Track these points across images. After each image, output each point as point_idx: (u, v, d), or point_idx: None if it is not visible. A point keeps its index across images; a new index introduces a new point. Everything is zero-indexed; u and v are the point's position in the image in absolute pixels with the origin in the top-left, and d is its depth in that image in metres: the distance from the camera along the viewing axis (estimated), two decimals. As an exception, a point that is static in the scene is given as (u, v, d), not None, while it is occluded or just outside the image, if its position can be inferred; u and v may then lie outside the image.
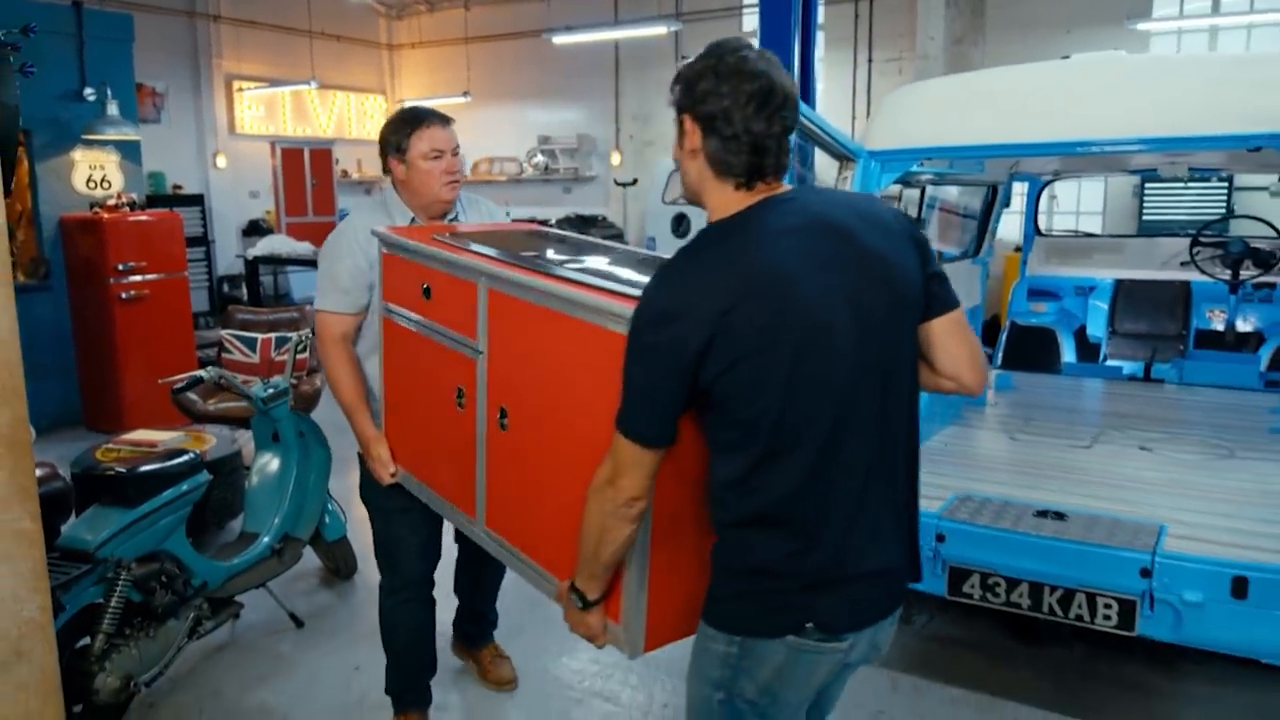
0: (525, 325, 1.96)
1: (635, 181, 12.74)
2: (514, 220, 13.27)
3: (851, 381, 1.54)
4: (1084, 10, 9.51)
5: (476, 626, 3.37)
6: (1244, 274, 5.52)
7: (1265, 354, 5.32)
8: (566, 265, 2.01)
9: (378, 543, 2.87)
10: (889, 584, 1.67)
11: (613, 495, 1.58)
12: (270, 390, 3.72)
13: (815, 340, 1.49)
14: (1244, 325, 5.72)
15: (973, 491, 3.38)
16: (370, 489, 2.74)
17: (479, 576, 3.24)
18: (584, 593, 1.73)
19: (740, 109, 1.52)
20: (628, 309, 1.60)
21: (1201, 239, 5.63)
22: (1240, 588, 2.68)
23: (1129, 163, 5.54)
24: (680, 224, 10.90)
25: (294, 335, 4.03)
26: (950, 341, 1.67)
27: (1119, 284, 6.23)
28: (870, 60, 10.80)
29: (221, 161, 12.36)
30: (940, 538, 3.12)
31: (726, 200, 1.59)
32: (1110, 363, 6.02)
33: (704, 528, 1.67)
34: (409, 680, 2.98)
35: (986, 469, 3.82)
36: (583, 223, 11.98)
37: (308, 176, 11.86)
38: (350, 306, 2.64)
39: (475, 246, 2.21)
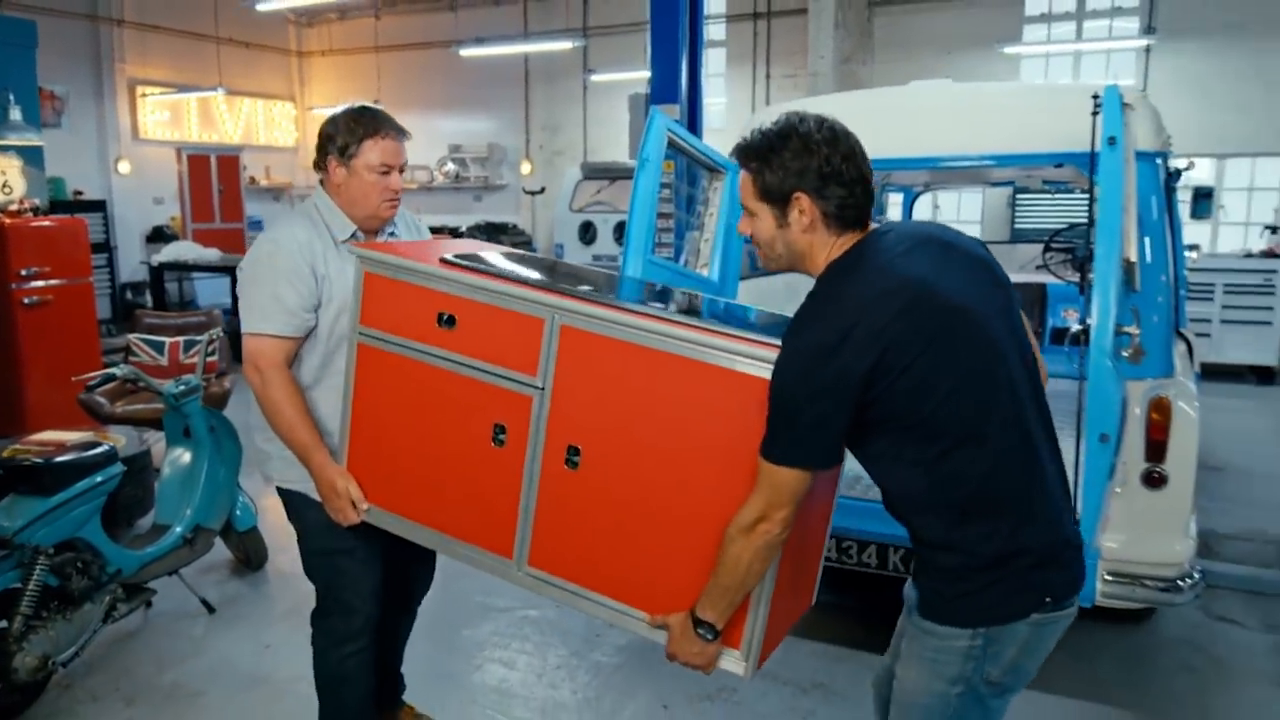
0: (615, 364, 1.93)
1: (544, 190, 13.04)
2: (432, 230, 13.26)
3: (1006, 363, 1.68)
4: (962, 34, 10.19)
5: (389, 683, 3.01)
6: (1091, 276, 6.12)
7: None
8: (650, 303, 2.05)
9: (324, 585, 2.56)
10: (1077, 549, 1.79)
11: (767, 530, 1.68)
12: (182, 386, 3.91)
13: (969, 330, 1.65)
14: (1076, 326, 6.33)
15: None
16: (312, 527, 2.48)
17: (396, 627, 2.91)
18: (714, 625, 1.83)
19: (852, 163, 1.71)
20: (765, 351, 1.71)
21: (1052, 245, 6.20)
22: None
23: (988, 175, 6.09)
24: (587, 231, 11.26)
25: (206, 334, 4.21)
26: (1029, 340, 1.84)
27: (984, 287, 6.78)
28: (769, 76, 11.33)
29: (124, 167, 12.22)
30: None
31: (836, 246, 1.74)
32: (977, 358, 6.56)
33: (795, 544, 1.80)
34: None
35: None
36: (493, 230, 12.23)
37: (214, 183, 11.83)
38: (296, 329, 2.35)
39: (519, 273, 2.16)
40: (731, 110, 11.92)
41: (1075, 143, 2.91)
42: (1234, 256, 9.14)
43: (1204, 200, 6.34)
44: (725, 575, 1.76)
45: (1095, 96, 2.63)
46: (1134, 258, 2.54)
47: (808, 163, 1.69)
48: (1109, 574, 3.08)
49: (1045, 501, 1.71)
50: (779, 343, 1.67)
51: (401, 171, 2.45)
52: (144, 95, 12.45)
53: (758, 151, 1.74)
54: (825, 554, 3.46)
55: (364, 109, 2.41)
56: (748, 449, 1.69)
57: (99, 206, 11.41)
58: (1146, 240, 3.18)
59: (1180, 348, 3.81)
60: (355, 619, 2.52)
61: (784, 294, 4.62)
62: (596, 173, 11.36)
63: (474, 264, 2.16)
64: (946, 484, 1.67)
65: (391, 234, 2.56)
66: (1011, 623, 1.69)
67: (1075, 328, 6.08)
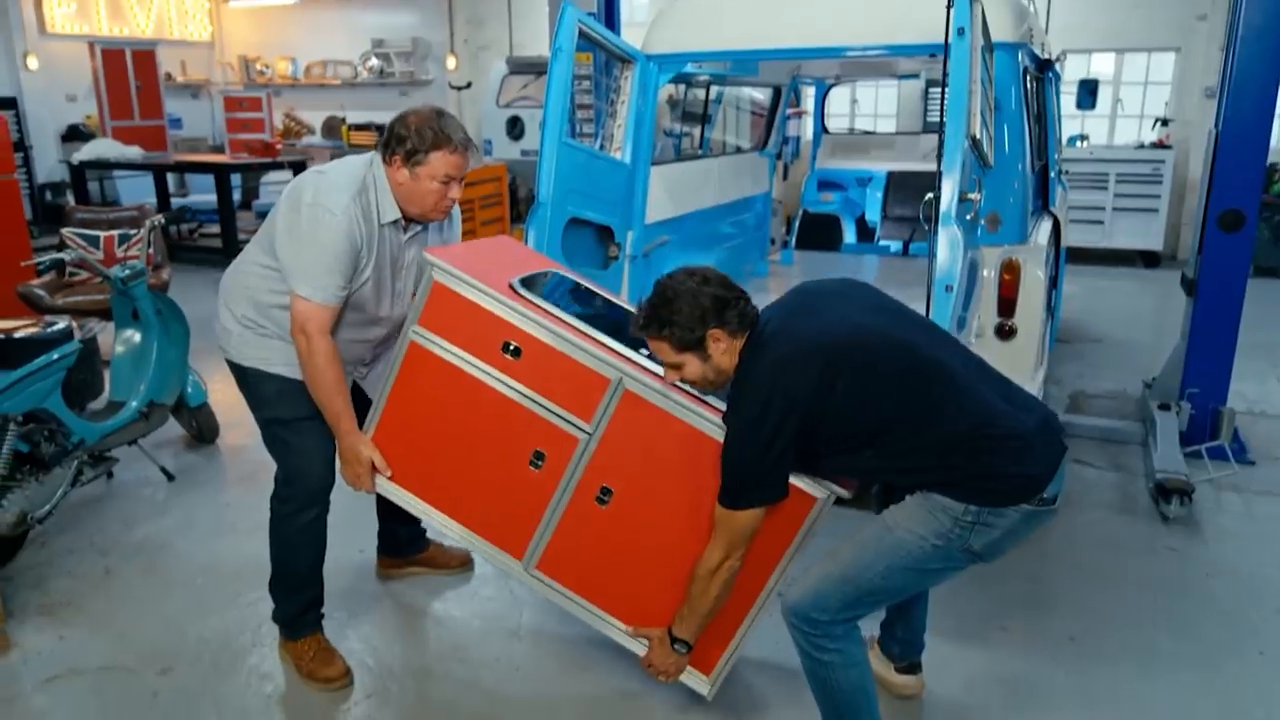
0: (662, 432, 2.30)
1: (470, 85, 12.98)
2: (352, 127, 13.11)
3: (910, 343, 2.08)
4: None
5: (412, 529, 3.36)
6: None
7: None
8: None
9: (283, 454, 2.70)
10: (1052, 431, 2.09)
11: (730, 566, 2.17)
12: (128, 270, 4.14)
13: (864, 348, 2.05)
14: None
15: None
16: (269, 398, 2.65)
17: None
18: (689, 642, 2.35)
19: (723, 286, 2.15)
20: None
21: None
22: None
23: (894, 67, 6.43)
24: (515, 126, 11.33)
25: (149, 221, 4.41)
26: None
27: (890, 175, 7.21)
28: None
29: (33, 63, 11.81)
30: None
31: (740, 343, 2.17)
32: (882, 243, 7.04)
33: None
34: (310, 603, 2.86)
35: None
36: (421, 127, 12.18)
37: (131, 79, 11.55)
38: (340, 301, 2.47)
39: (587, 326, 2.37)
40: (655, 3, 11.94)
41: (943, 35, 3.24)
42: (1128, 148, 9.69)
43: (1087, 93, 6.76)
44: (699, 606, 2.26)
45: (947, -14, 2.94)
46: (978, 135, 2.92)
47: (700, 306, 2.10)
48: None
49: (996, 417, 2.02)
50: None
51: (460, 182, 2.53)
52: (48, -15, 11.95)
53: (659, 321, 2.13)
54: None
55: (440, 115, 2.48)
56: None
57: (10, 104, 11.08)
58: (1005, 127, 3.58)
59: (1045, 223, 4.28)
60: (312, 484, 2.68)
61: (698, 180, 4.98)
62: (522, 67, 11.36)
63: (546, 304, 2.38)
64: (906, 455, 2.05)
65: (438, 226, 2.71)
66: (1004, 508, 2.02)
67: (929, 195, 6.53)
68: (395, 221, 2.54)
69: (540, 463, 2.39)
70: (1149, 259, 9.57)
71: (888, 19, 3.68)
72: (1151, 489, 4.07)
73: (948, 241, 2.74)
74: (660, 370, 2.27)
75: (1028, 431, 2.03)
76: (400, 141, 2.45)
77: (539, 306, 2.37)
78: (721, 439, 2.16)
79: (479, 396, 2.40)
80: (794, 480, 2.19)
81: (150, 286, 4.37)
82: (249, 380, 2.69)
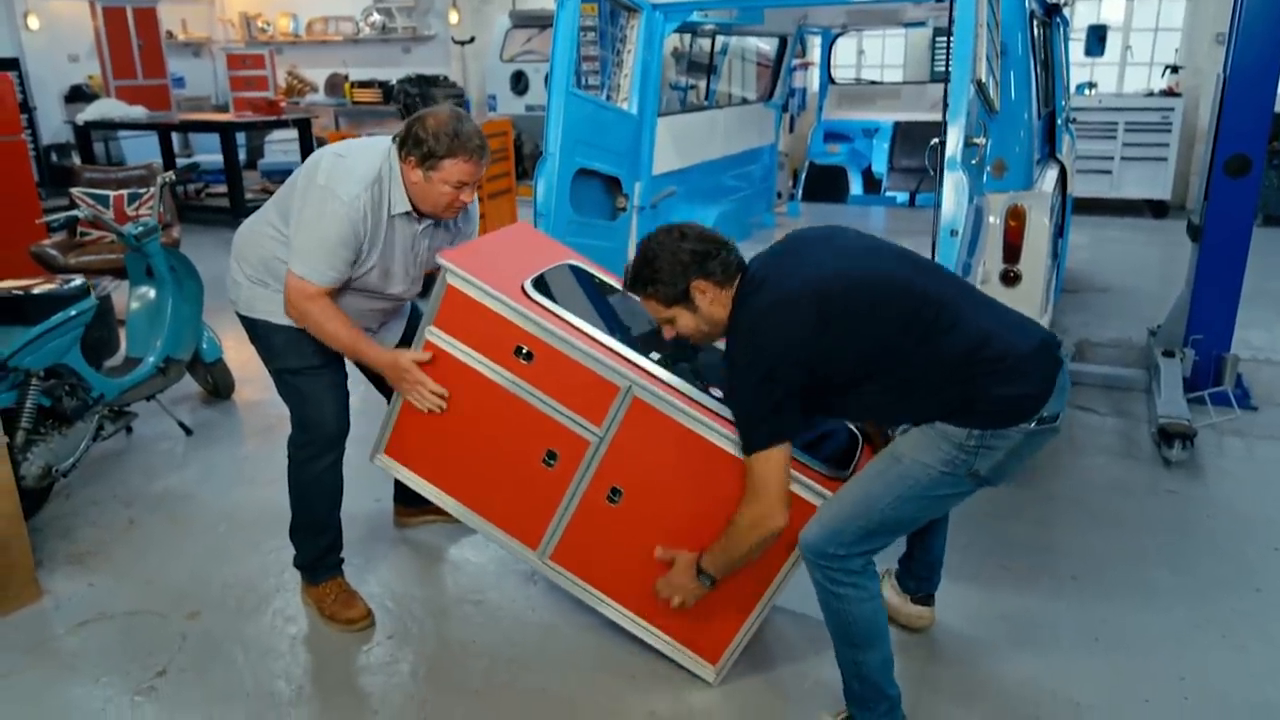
0: (670, 438, 2.35)
1: (473, 39, 12.86)
2: (355, 84, 13.04)
3: (901, 278, 2.13)
4: None
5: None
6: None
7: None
8: (713, 390, 2.37)
9: (297, 402, 2.77)
10: (1050, 357, 2.12)
11: (768, 525, 2.17)
12: (141, 228, 4.18)
13: (853, 288, 2.10)
14: None
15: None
16: (279, 348, 2.72)
17: None
18: (715, 577, 2.36)
19: (701, 239, 2.22)
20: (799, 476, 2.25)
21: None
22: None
23: (901, 15, 6.37)
24: (519, 81, 11.26)
25: (159, 178, 4.44)
26: None
27: (897, 126, 7.18)
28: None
29: (34, 22, 11.75)
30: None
31: (731, 292, 2.23)
32: (889, 194, 7.03)
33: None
34: (329, 547, 2.94)
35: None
36: (425, 83, 12.11)
37: (133, 38, 11.48)
38: (337, 282, 2.55)
39: (599, 332, 2.42)
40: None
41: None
42: (1137, 96, 9.60)
43: (1096, 40, 6.70)
44: (732, 550, 2.26)
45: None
46: (984, 79, 2.92)
47: (679, 261, 2.19)
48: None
49: (989, 339, 2.07)
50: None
51: (475, 188, 2.57)
52: (44, -56, 11.84)
53: (643, 279, 2.24)
54: None
55: (458, 120, 2.47)
56: None
57: (12, 65, 11.02)
58: (1011, 72, 3.58)
59: (1051, 171, 4.29)
60: (327, 430, 2.75)
61: (704, 131, 4.98)
62: (526, 20, 11.26)
63: (558, 309, 2.42)
64: (905, 387, 2.12)
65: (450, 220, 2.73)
66: (1005, 428, 2.07)
67: (934, 140, 6.49)
68: (407, 213, 2.58)
69: (553, 461, 2.48)
70: (1157, 209, 9.53)
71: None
72: (1154, 434, 4.12)
73: (953, 186, 2.76)
74: (674, 380, 2.36)
75: (1023, 352, 2.08)
76: (417, 143, 2.46)
77: (550, 313, 2.42)
78: (728, 447, 2.30)
79: (492, 396, 2.48)
80: (795, 489, 2.26)
81: (162, 244, 4.43)
82: (259, 332, 2.75)
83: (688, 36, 5.29)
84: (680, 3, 3.99)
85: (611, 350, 2.39)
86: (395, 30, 13.50)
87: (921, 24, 7.19)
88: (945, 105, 2.79)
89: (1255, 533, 3.40)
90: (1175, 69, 9.50)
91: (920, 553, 2.77)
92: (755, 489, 2.16)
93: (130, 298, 4.37)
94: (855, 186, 7.14)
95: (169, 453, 4.22)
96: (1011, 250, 3.52)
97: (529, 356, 2.42)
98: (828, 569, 2.22)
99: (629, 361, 2.38)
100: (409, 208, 2.57)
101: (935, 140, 2.76)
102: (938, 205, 2.84)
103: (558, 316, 2.41)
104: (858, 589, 2.22)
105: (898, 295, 2.11)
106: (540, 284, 2.53)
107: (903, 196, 6.82)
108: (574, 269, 2.81)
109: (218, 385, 4.75)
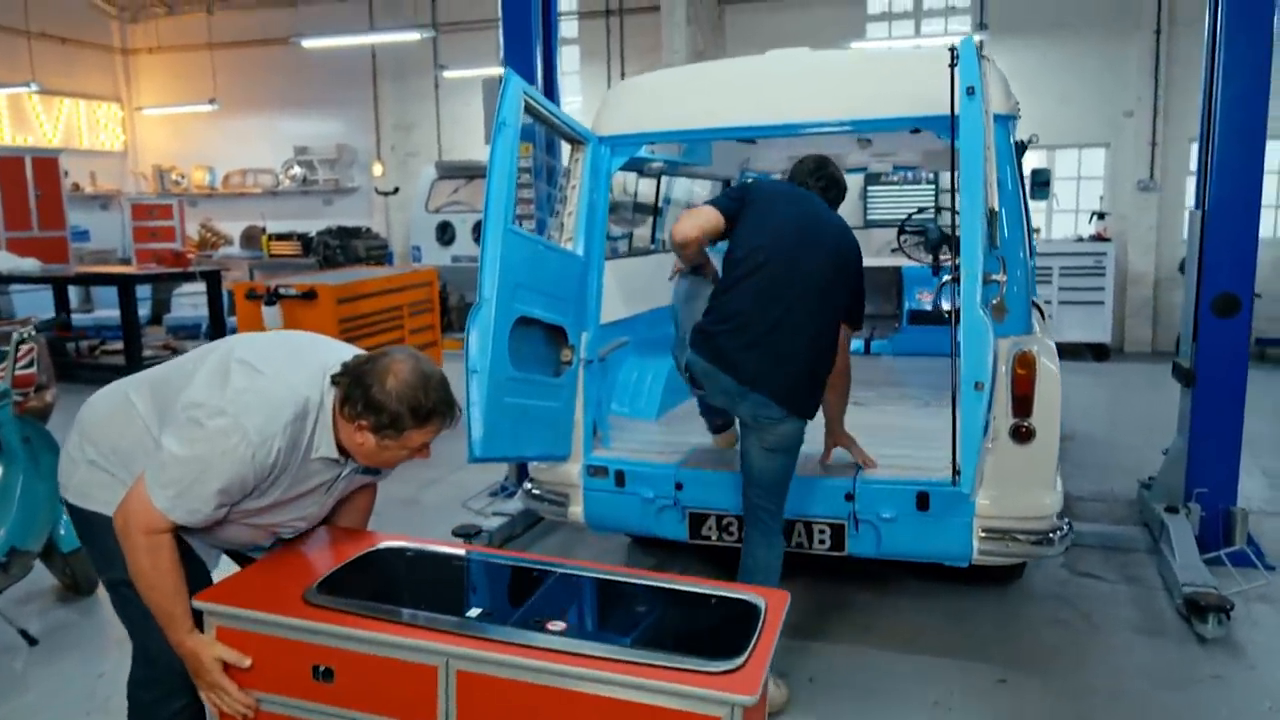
0: (522, 706, 1.83)
1: (397, 191, 12.61)
2: (273, 236, 12.68)
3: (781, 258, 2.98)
4: (810, 32, 10.39)
5: None
6: (944, 259, 6.29)
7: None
8: (549, 625, 1.92)
9: (140, 627, 2.13)
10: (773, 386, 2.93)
11: (846, 367, 3.32)
12: (-13, 392, 3.48)
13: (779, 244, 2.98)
14: (947, 305, 6.52)
15: (708, 445, 3.71)
16: (119, 553, 2.02)
17: None
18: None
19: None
20: (699, 689, 1.69)
21: (906, 227, 6.35)
22: (923, 501, 3.13)
23: (845, 160, 6.18)
24: (445, 232, 10.94)
25: (16, 332, 3.77)
26: None
27: (842, 271, 6.90)
28: (623, 74, 11.29)
29: (-76, 173, 11.08)
30: (679, 486, 3.41)
31: None
32: (839, 341, 6.67)
33: None
34: None
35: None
36: (345, 235, 11.72)
37: (30, 187, 10.86)
38: (203, 523, 2.02)
39: (402, 610, 1.99)
40: (587, 108, 11.82)
41: (932, 106, 2.92)
42: (1068, 241, 9.68)
43: (1040, 184, 6.63)
44: (844, 391, 3.36)
45: (952, 49, 2.63)
46: (997, 207, 2.55)
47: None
48: (983, 531, 3.10)
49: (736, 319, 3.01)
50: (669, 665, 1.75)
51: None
52: (-57, 92, 11.34)
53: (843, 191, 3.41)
54: (705, 534, 3.40)
55: (422, 377, 2.01)
56: None
57: (-106, 216, 10.30)
58: (1004, 209, 3.23)
59: (1035, 315, 3.92)
60: (175, 664, 2.05)
61: (653, 274, 4.55)
62: (452, 171, 11.04)
63: (346, 605, 1.97)
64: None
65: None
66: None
67: (947, 278, 6.23)
68: (334, 460, 2.10)
69: None
70: (1098, 352, 9.45)
71: (864, 93, 3.36)
72: (1179, 605, 3.62)
73: (977, 326, 2.30)
74: (503, 633, 1.89)
75: (737, 352, 2.98)
76: (374, 409, 1.98)
77: (337, 611, 1.96)
78: (611, 697, 1.77)
79: None
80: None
81: (27, 409, 3.72)
82: (94, 529, 2.13)
83: (632, 176, 4.95)
84: (628, 134, 3.61)
85: (413, 624, 1.92)
86: (317, 182, 13.20)
87: (861, 169, 7.07)
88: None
89: (1333, 730, 2.87)
90: (1102, 215, 9.63)
91: None
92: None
93: (-29, 478, 3.60)
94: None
95: (4, 670, 3.38)
96: (1022, 402, 3.07)
97: (328, 675, 1.94)
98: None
99: (437, 630, 1.90)
100: (334, 454, 2.08)
101: (946, 278, 2.32)
102: (955, 355, 2.38)
103: (347, 613, 1.95)
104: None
105: (764, 266, 2.99)
106: (333, 583, 2.07)
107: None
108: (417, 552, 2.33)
109: (77, 579, 3.93)
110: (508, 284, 2.98)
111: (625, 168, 3.86)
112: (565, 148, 3.73)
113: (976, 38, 2.57)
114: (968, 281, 2.39)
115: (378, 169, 12.90)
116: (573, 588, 2.24)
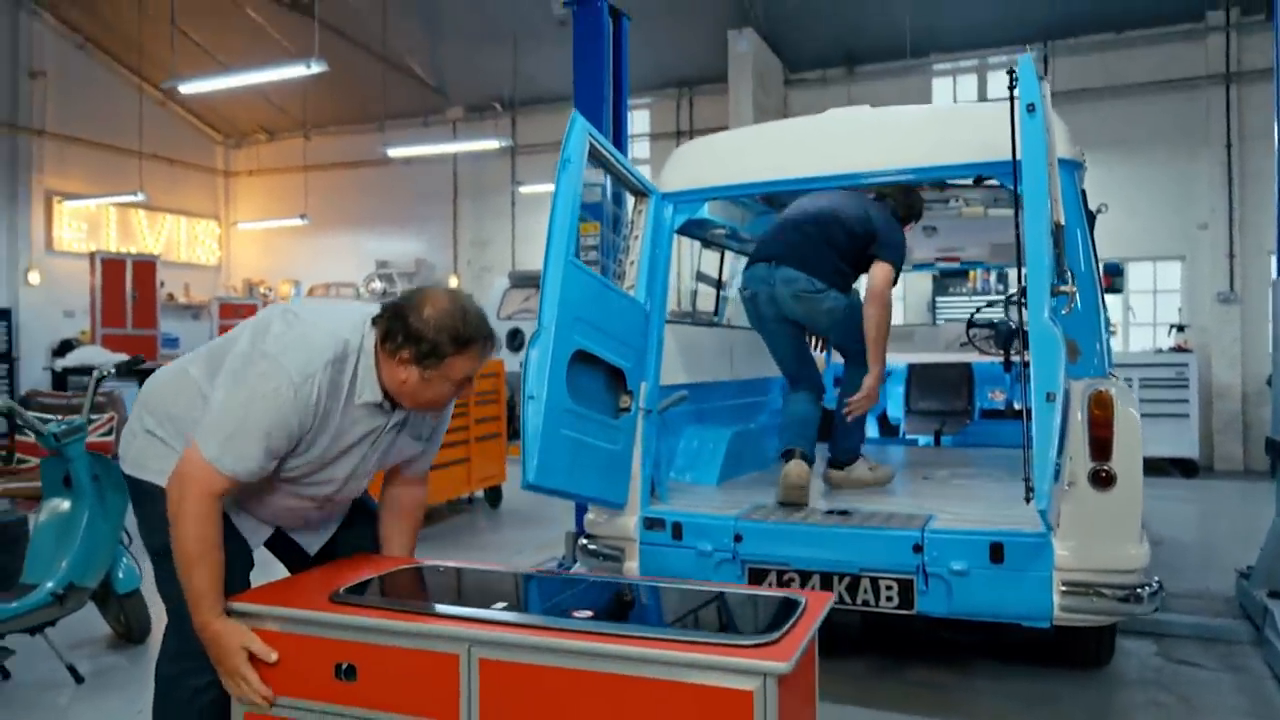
0: (548, 692, 1.76)
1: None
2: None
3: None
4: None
5: None
6: (1015, 356, 6.15)
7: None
8: (571, 613, 1.86)
9: (177, 599, 2.05)
10: None
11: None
12: (64, 426, 3.57)
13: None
14: (1019, 405, 6.34)
15: (770, 503, 3.58)
16: (164, 522, 1.98)
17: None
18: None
19: None
20: (734, 659, 1.60)
21: (975, 320, 6.26)
22: (997, 553, 2.95)
23: (910, 256, 6.17)
24: (515, 338, 11.13)
25: (97, 370, 3.88)
26: None
27: (911, 368, 6.80)
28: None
29: (34, 278, 11.83)
30: (738, 538, 3.28)
31: None
32: (909, 437, 6.51)
33: None
34: None
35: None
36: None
37: (128, 287, 11.48)
38: (254, 476, 1.99)
39: (421, 603, 1.99)
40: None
41: (994, 152, 2.90)
42: (1147, 353, 9.41)
43: (1114, 276, 6.52)
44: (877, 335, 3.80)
45: (1010, 71, 2.62)
46: (1062, 221, 2.49)
47: None
48: (1064, 584, 2.90)
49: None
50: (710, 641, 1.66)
51: (471, 381, 2.09)
52: (59, 201, 12.16)
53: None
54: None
55: (462, 307, 2.01)
56: None
57: (3, 315, 10.94)
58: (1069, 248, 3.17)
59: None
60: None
61: (716, 347, 4.55)
62: (524, 280, 11.34)
63: (368, 600, 1.97)
64: None
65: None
66: None
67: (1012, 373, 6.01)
68: (377, 404, 2.08)
69: None
70: (1186, 468, 9.00)
71: (925, 142, 3.39)
72: (1294, 693, 3.30)
73: (1045, 336, 2.22)
74: (527, 619, 1.85)
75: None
76: (414, 339, 1.97)
77: (359, 606, 1.95)
78: (639, 676, 1.69)
79: None
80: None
81: (100, 447, 3.80)
82: (143, 497, 2.14)
83: (697, 245, 5.02)
84: (690, 190, 3.67)
85: (434, 614, 1.91)
86: (395, 294, 13.65)
87: (928, 265, 7.04)
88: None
89: None
90: (1181, 327, 9.38)
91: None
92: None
93: (40, 511, 3.66)
94: (871, 431, 6.63)
95: (50, 705, 3.34)
96: (1101, 445, 2.92)
97: (350, 674, 1.90)
98: None
99: (458, 618, 1.87)
100: (379, 398, 2.06)
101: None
102: (1025, 365, 2.29)
103: (368, 607, 1.94)
104: None
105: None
106: (357, 589, 2.05)
107: (925, 439, 6.29)
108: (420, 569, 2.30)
109: (130, 624, 3.91)
110: (567, 315, 3.00)
111: (688, 232, 3.92)
112: (630, 200, 3.81)
113: (1035, 63, 2.57)
114: (1034, 291, 2.32)
115: (454, 282, 13.33)
116: (606, 587, 2.19)
